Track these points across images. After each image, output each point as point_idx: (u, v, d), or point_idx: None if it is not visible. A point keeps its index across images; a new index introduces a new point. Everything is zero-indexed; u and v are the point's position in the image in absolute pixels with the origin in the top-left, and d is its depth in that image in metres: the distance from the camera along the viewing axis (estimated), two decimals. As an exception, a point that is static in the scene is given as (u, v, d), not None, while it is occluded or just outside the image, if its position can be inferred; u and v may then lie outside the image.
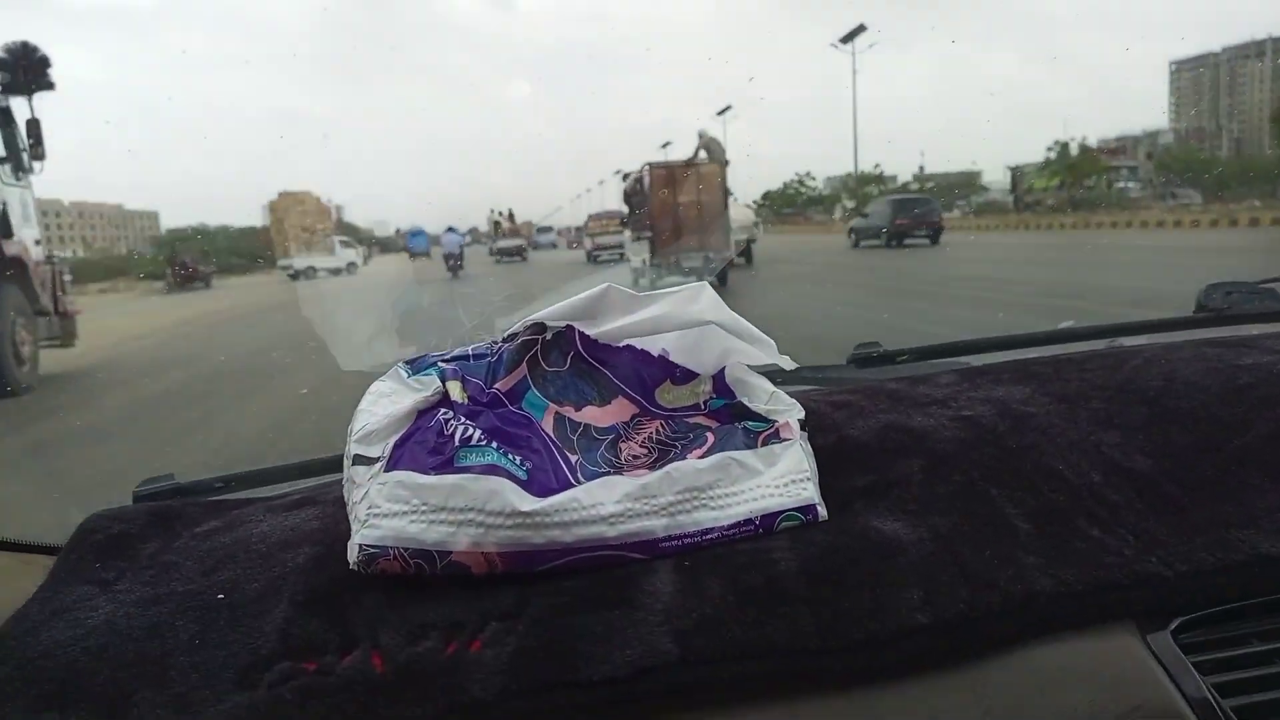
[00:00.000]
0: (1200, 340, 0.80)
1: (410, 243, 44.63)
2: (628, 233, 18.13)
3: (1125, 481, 0.57)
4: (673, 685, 0.45)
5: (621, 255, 28.65)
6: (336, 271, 29.28)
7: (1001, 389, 0.71)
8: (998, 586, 0.49)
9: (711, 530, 0.55)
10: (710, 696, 0.46)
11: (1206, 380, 0.68)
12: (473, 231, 41.85)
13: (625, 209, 17.78)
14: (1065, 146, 42.19)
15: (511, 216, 37.61)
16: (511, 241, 34.79)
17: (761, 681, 0.46)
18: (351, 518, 0.54)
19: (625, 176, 15.95)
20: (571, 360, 0.62)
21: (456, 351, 0.61)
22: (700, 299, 0.62)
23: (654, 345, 0.64)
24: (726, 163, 15.22)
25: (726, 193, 14.83)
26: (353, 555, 0.53)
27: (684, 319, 0.62)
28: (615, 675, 0.45)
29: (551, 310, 0.62)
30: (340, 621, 0.50)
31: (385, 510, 0.52)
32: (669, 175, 14.38)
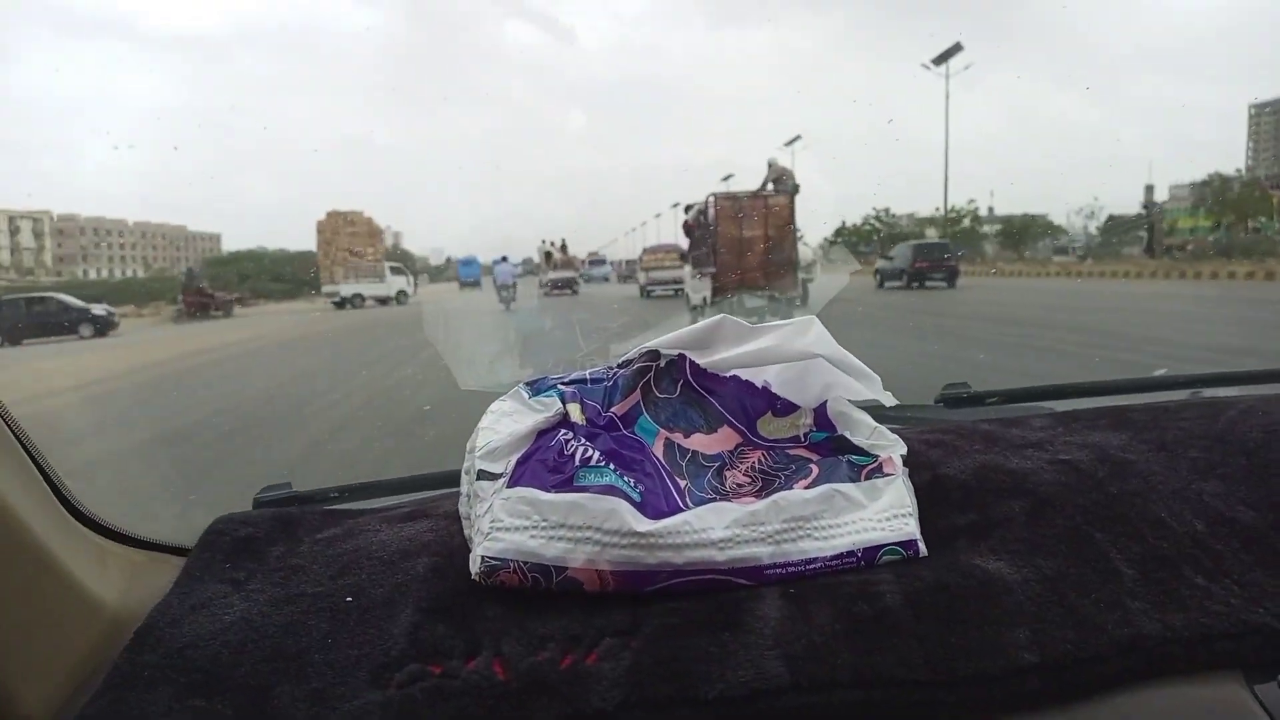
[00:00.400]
0: None
1: (461, 272, 41.20)
2: (687, 268, 17.24)
3: (1229, 532, 0.57)
4: (784, 709, 0.47)
5: (677, 291, 27.83)
6: (385, 300, 28.11)
7: (1098, 434, 0.72)
8: (1105, 630, 0.50)
9: (815, 560, 0.57)
10: None
11: None
12: (526, 262, 40.06)
13: (685, 242, 16.93)
14: (1225, 180, 38.98)
15: (564, 247, 36.34)
16: (562, 274, 33.38)
17: (870, 710, 0.47)
18: (473, 530, 0.57)
19: (687, 208, 15.19)
20: (681, 388, 0.66)
21: (575, 375, 0.65)
22: (810, 332, 0.64)
23: (758, 377, 0.67)
24: (796, 191, 14.35)
25: (795, 228, 13.92)
26: (475, 566, 0.55)
27: (792, 351, 0.65)
28: (730, 695, 0.47)
29: (666, 339, 0.65)
30: (464, 628, 0.53)
31: (507, 524, 0.55)
32: (735, 207, 13.55)
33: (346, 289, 29.14)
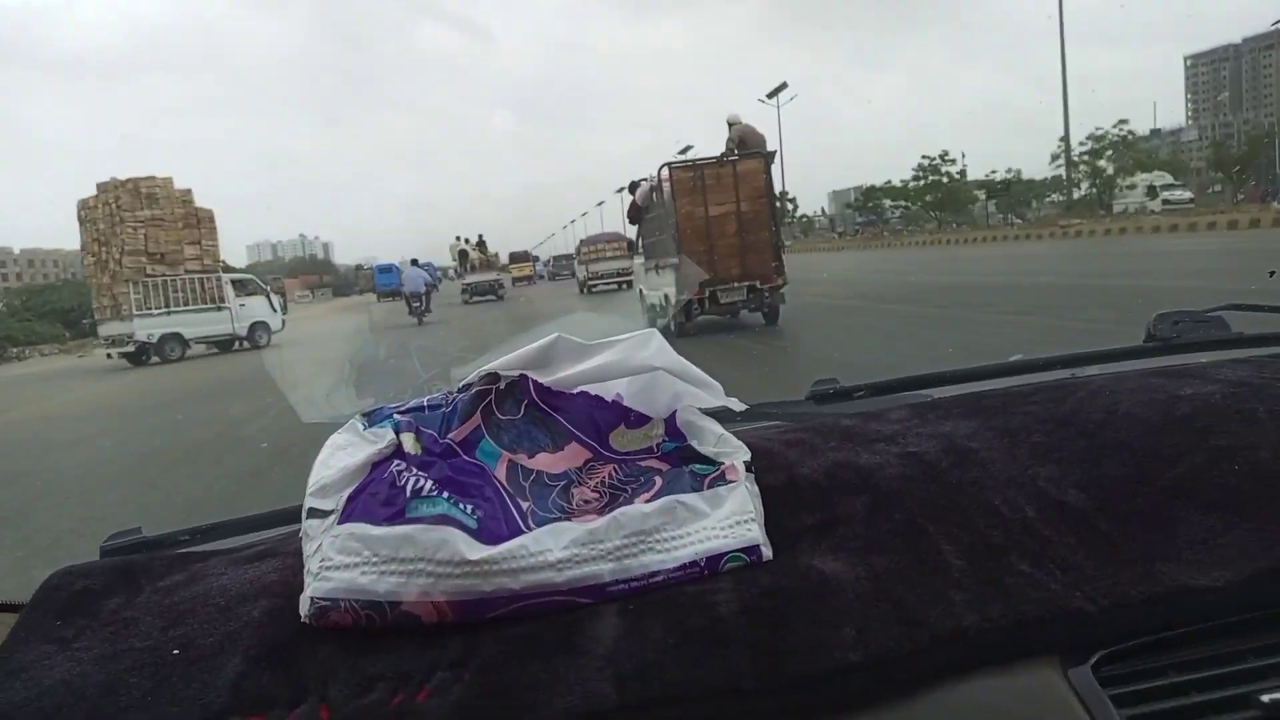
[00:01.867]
0: (1147, 370, 0.83)
1: (379, 281, 36.70)
2: (637, 260, 14.39)
3: (1058, 516, 0.60)
4: None
5: (620, 285, 24.56)
6: (228, 342, 18.10)
7: (949, 424, 0.74)
8: (927, 624, 0.52)
9: (658, 573, 0.58)
10: None
11: (1146, 412, 0.71)
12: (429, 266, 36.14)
13: (631, 230, 14.06)
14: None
15: (482, 244, 32.82)
16: (483, 276, 30.30)
17: None
18: (305, 571, 0.58)
19: (632, 186, 12.36)
20: (525, 408, 0.66)
21: (412, 403, 0.66)
22: (649, 345, 0.66)
23: (609, 390, 0.68)
24: (772, 155, 11.63)
25: (775, 197, 11.17)
26: (304, 609, 0.56)
27: (633, 365, 0.66)
28: None
29: (504, 360, 0.66)
30: (292, 675, 0.53)
31: (337, 562, 0.56)
32: (696, 178, 10.83)
33: (146, 327, 16.91)
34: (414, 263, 25.28)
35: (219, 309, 18.04)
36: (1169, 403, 0.72)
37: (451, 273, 33.54)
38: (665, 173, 11.07)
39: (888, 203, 58.44)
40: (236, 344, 18.32)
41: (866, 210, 62.99)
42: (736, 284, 11.15)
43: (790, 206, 65.37)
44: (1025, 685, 0.50)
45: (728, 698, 0.49)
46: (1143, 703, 0.49)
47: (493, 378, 0.67)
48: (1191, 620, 0.52)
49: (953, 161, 53.77)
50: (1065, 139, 40.50)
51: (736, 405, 0.70)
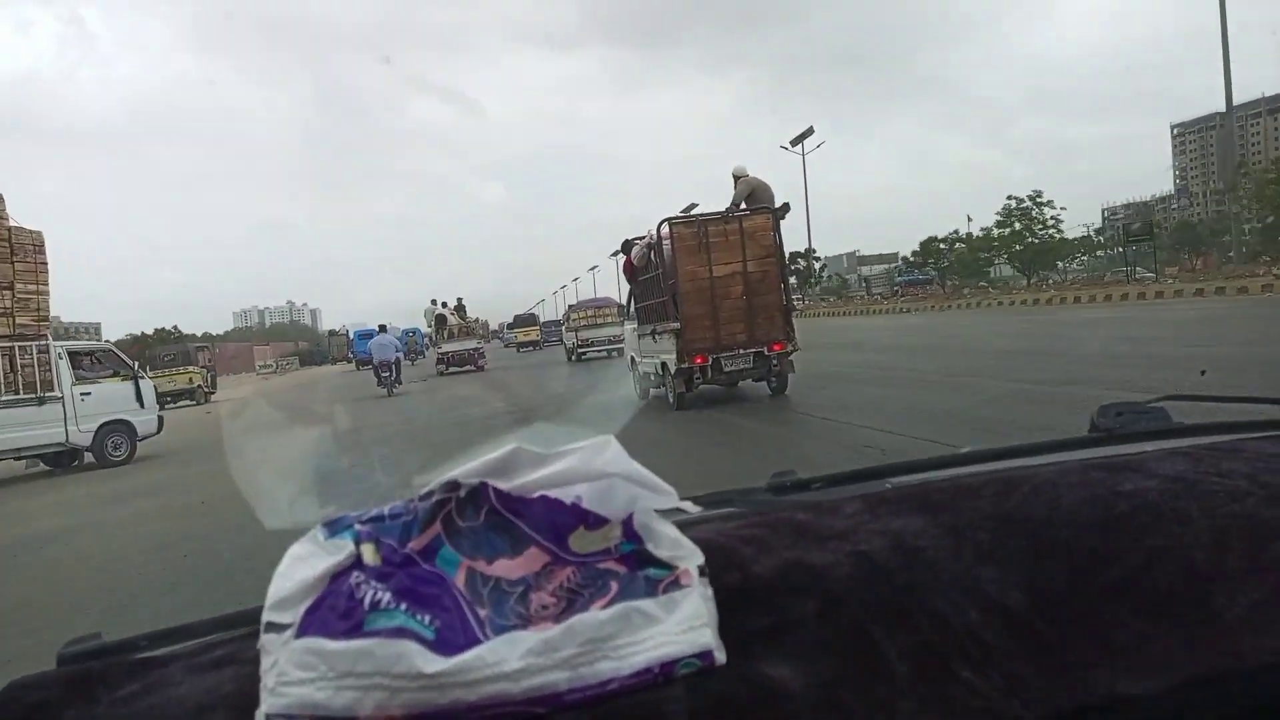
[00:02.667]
0: (1088, 463, 0.85)
1: (357, 347, 34.08)
2: (628, 326, 13.52)
3: (999, 620, 0.61)
4: None
5: (610, 353, 23.52)
6: (62, 456, 12.04)
7: (900, 520, 0.75)
8: None
9: (612, 680, 0.59)
10: None
11: (1085, 509, 0.72)
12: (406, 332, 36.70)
13: (626, 293, 13.19)
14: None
15: (460, 309, 30.59)
16: (461, 345, 27.82)
17: None
18: (261, 686, 0.59)
19: (626, 246, 11.49)
20: (485, 514, 0.68)
21: (374, 512, 0.67)
22: (605, 452, 0.68)
23: (569, 493, 0.69)
24: (783, 210, 10.83)
25: (785, 255, 10.38)
26: None
27: (590, 471, 0.68)
28: None
29: (465, 469, 0.68)
30: None
31: (293, 678, 0.57)
32: (699, 234, 10.03)
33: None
34: (382, 329, 23.43)
35: (41, 402, 11.22)
36: (1108, 500, 0.74)
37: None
38: (665, 229, 10.22)
39: (949, 258, 55.09)
40: (78, 458, 12.10)
41: (916, 266, 59.98)
42: (743, 350, 10.24)
43: (816, 264, 63.34)
44: None
45: None
46: None
47: (454, 485, 0.68)
48: None
49: (1049, 204, 49.19)
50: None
51: (690, 508, 0.72)
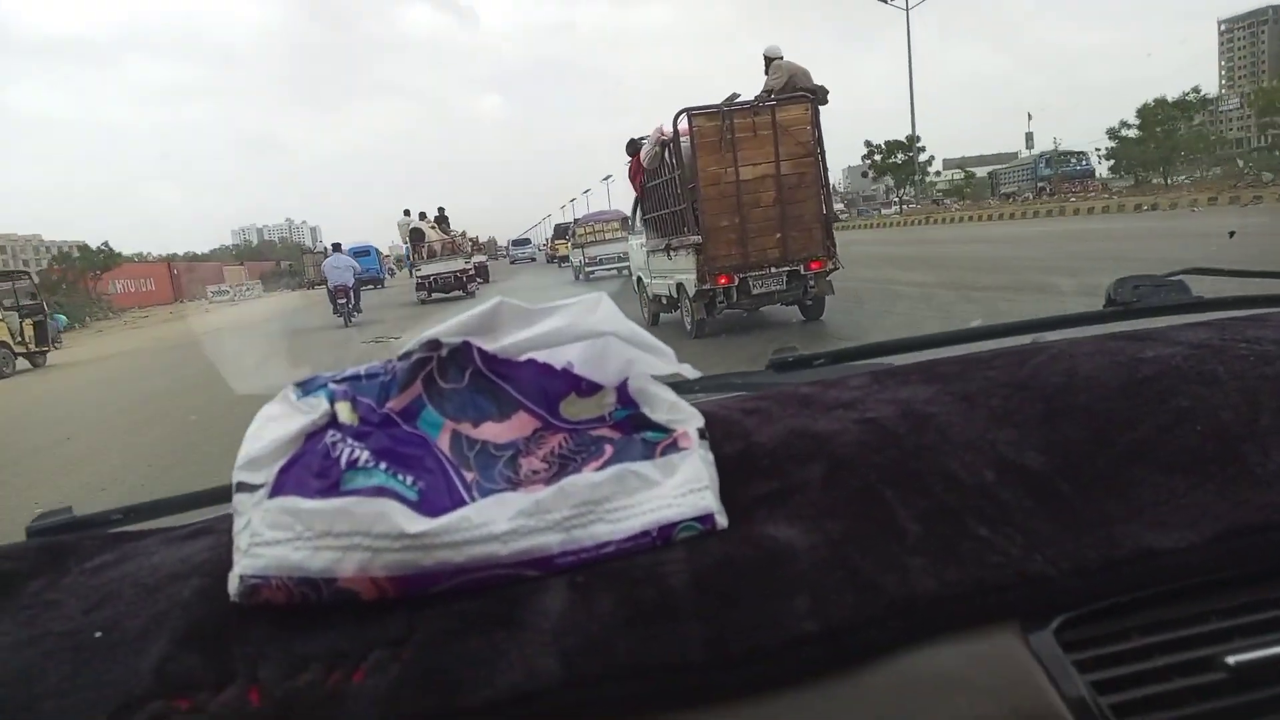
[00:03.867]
0: (1105, 335, 0.85)
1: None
2: (633, 240, 12.01)
3: (1017, 479, 0.62)
4: (556, 708, 0.50)
5: (622, 271, 21.75)
6: None
7: (908, 390, 0.76)
8: (884, 590, 0.53)
9: (608, 544, 0.59)
10: (597, 718, 0.50)
11: (1105, 375, 0.73)
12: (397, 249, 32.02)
13: (633, 201, 11.63)
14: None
15: (442, 220, 24.39)
16: (446, 266, 22.17)
17: (648, 701, 0.51)
18: (235, 548, 0.59)
19: (633, 146, 9.90)
20: (470, 376, 0.67)
21: (349, 372, 0.66)
22: (598, 310, 0.67)
23: (559, 358, 0.68)
24: (823, 97, 9.17)
25: (824, 153, 8.79)
26: (233, 587, 0.57)
27: (581, 331, 0.67)
28: (496, 699, 0.49)
29: (445, 327, 0.66)
30: (220, 656, 0.54)
31: (267, 538, 0.57)
32: (723, 129, 8.35)
33: None
34: (336, 248, 20.27)
35: None
36: (1130, 365, 0.74)
37: (397, 262, 26.72)
38: (682, 122, 8.62)
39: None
40: None
41: (1063, 160, 52.16)
42: (774, 268, 8.77)
43: (921, 156, 55.93)
44: (985, 651, 0.52)
45: (677, 673, 0.51)
46: (1106, 667, 0.51)
47: (435, 345, 0.67)
48: (1154, 583, 0.54)
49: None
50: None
51: (689, 372, 0.71)
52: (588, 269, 23.36)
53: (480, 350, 0.67)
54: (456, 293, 22.18)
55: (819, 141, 8.79)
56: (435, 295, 22.07)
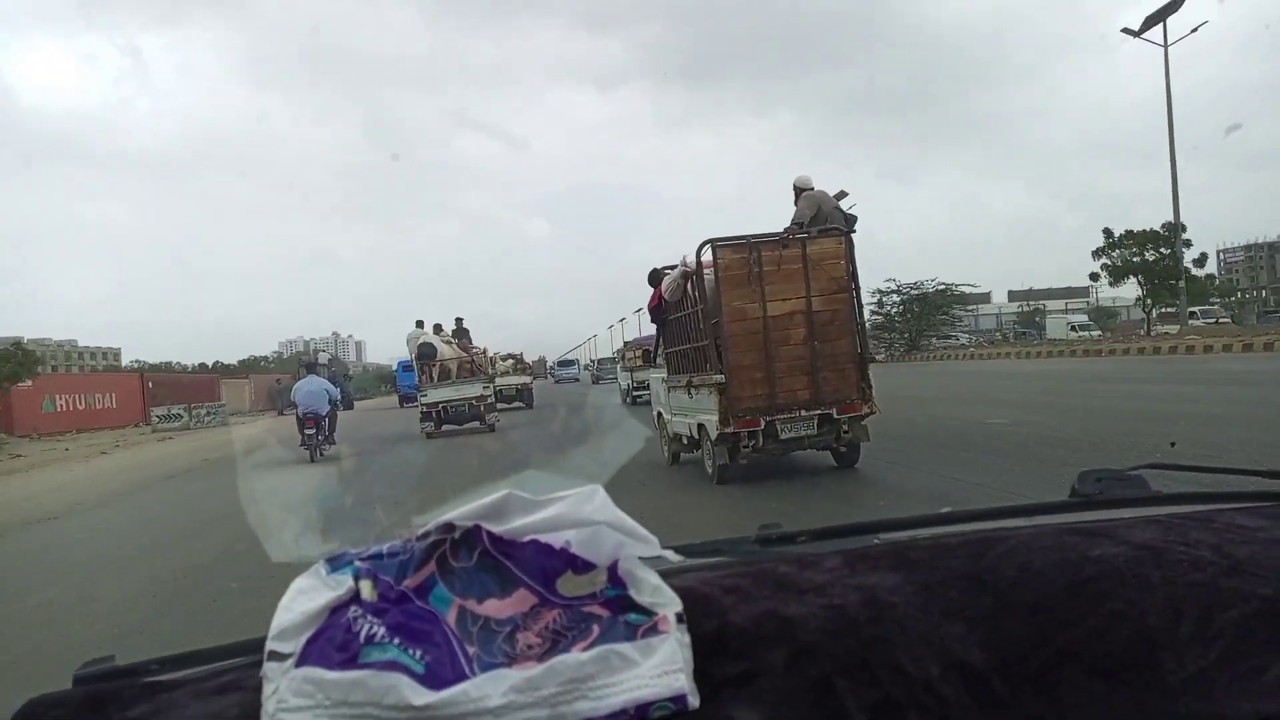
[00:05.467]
0: (1064, 526, 0.90)
1: (402, 381, 28.02)
2: (653, 374, 11.68)
3: (959, 676, 0.67)
4: None
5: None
6: None
7: (876, 576, 0.81)
8: None
9: None
10: None
11: (1054, 572, 0.77)
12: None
13: (658, 333, 11.37)
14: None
15: (461, 333, 20.88)
16: (458, 390, 18.61)
17: None
18: (262, 712, 0.66)
19: (655, 276, 9.72)
20: (478, 556, 0.75)
21: (373, 550, 0.75)
22: (593, 500, 0.76)
23: (558, 539, 0.76)
24: (853, 225, 8.96)
25: (857, 290, 8.50)
26: None
27: (577, 519, 0.75)
28: None
29: (459, 513, 0.75)
30: None
31: (292, 705, 0.64)
32: (749, 262, 8.07)
33: None
34: (310, 368, 18.21)
35: None
36: (1077, 564, 0.78)
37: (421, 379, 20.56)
38: (706, 253, 8.37)
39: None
40: None
41: None
42: (804, 411, 8.33)
43: (1186, 252, 42.02)
44: None
45: None
46: None
47: (449, 527, 0.75)
48: None
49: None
50: None
51: (672, 557, 0.78)
52: (635, 393, 22.58)
53: (488, 532, 0.76)
54: (474, 423, 18.82)
55: (853, 276, 8.50)
56: (445, 427, 18.86)
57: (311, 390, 15.87)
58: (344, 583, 0.71)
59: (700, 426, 8.85)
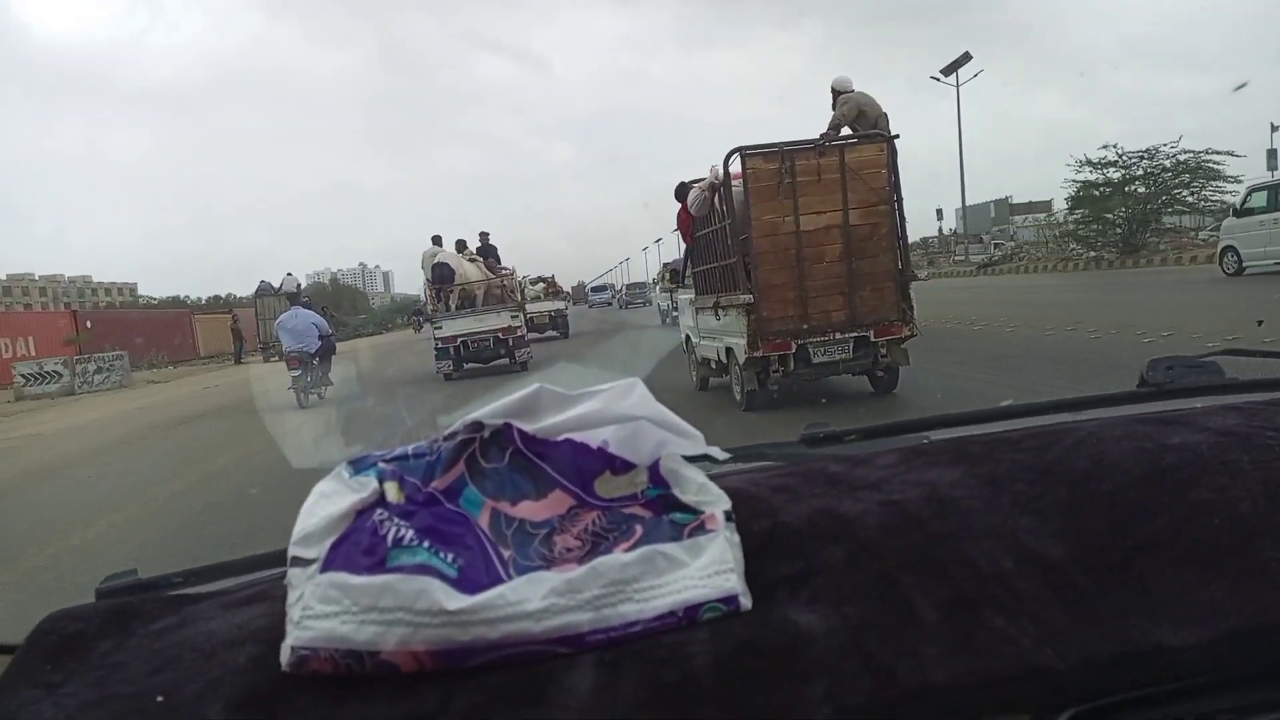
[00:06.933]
0: (1135, 417, 0.88)
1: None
2: (682, 295, 11.35)
3: (1035, 569, 0.65)
4: None
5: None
6: None
7: (935, 471, 0.79)
8: (898, 679, 0.57)
9: (636, 623, 0.64)
10: None
11: (1129, 462, 0.75)
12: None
13: (685, 252, 10.98)
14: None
15: (487, 252, 17.55)
16: (481, 321, 15.38)
17: None
18: (287, 619, 0.65)
19: (682, 190, 9.25)
20: (510, 456, 0.73)
21: (397, 451, 0.73)
22: (631, 395, 0.73)
23: (594, 438, 0.75)
24: (894, 138, 8.43)
25: (900, 202, 8.00)
26: (285, 657, 0.63)
27: (615, 414, 0.73)
28: None
29: (488, 410, 0.73)
30: None
31: (318, 611, 0.63)
32: (782, 172, 7.59)
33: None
34: (293, 298, 16.07)
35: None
36: (1154, 453, 0.77)
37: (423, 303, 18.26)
38: (735, 163, 7.91)
39: None
40: None
41: None
42: (839, 334, 7.95)
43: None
44: None
45: None
46: None
47: (477, 426, 0.73)
48: (1164, 680, 0.56)
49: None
50: None
51: (718, 454, 0.76)
52: (673, 313, 22.30)
53: (520, 431, 0.74)
54: (501, 359, 15.65)
55: (895, 188, 8.04)
56: (467, 365, 15.57)
57: (297, 326, 13.69)
58: (368, 485, 0.70)
59: (728, 350, 8.55)
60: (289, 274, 27.57)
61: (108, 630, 0.72)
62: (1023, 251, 44.15)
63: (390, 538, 0.65)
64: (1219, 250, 19.55)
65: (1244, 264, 18.03)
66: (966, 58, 42.10)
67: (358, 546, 0.65)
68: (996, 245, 48.52)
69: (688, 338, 10.77)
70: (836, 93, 9.17)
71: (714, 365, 9.49)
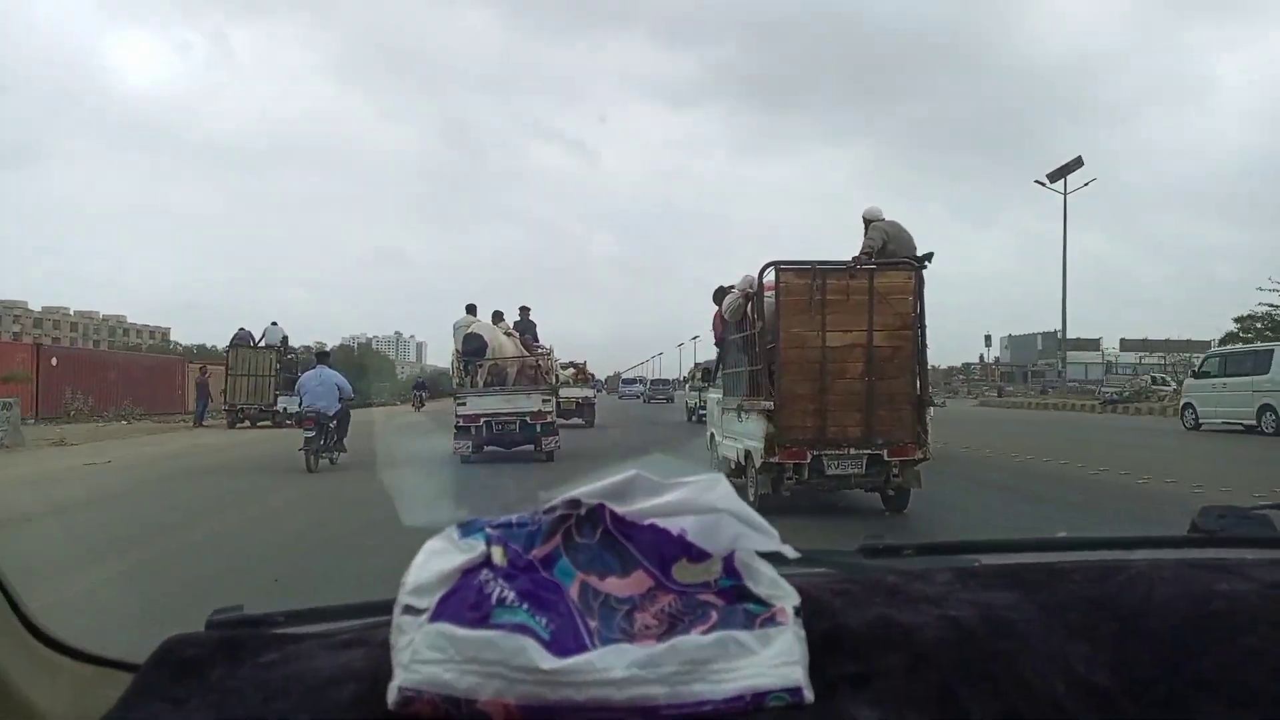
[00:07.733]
0: (1185, 560, 0.92)
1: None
2: (711, 394, 11.79)
3: (1085, 694, 0.68)
4: None
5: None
6: None
7: (990, 593, 0.83)
8: None
9: (707, 702, 0.70)
10: None
11: (1180, 603, 0.79)
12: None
13: (718, 354, 11.50)
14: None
15: (525, 328, 16.30)
16: (510, 401, 14.06)
17: None
18: (395, 661, 0.72)
19: (719, 294, 9.83)
20: (601, 534, 0.81)
21: (503, 520, 0.81)
22: (716, 489, 0.80)
23: (674, 526, 0.81)
24: (926, 260, 8.96)
25: (922, 328, 8.48)
26: (392, 696, 0.69)
27: (699, 505, 0.80)
28: None
29: (586, 490, 0.80)
30: None
31: (425, 657, 0.70)
32: (813, 288, 8.12)
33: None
34: (321, 358, 15.31)
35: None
36: (1204, 596, 0.80)
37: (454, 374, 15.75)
38: (769, 275, 8.47)
39: None
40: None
41: None
42: (854, 450, 8.35)
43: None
44: None
45: None
46: None
47: (575, 504, 0.81)
48: None
49: None
50: None
51: (790, 552, 0.80)
52: (701, 411, 22.50)
53: (612, 512, 0.80)
54: (525, 445, 14.25)
55: (920, 314, 8.49)
56: (488, 447, 14.19)
57: (320, 384, 13.42)
58: (477, 547, 0.76)
59: (747, 453, 8.91)
60: (274, 324, 25.37)
61: (219, 658, 0.79)
62: (1147, 390, 41.94)
63: (494, 596, 0.72)
64: (1180, 406, 22.78)
65: (1200, 420, 20.86)
66: (1078, 163, 40.20)
67: (464, 602, 0.71)
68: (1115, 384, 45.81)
69: (712, 436, 11.14)
70: (867, 222, 9.74)
71: (734, 465, 9.82)
